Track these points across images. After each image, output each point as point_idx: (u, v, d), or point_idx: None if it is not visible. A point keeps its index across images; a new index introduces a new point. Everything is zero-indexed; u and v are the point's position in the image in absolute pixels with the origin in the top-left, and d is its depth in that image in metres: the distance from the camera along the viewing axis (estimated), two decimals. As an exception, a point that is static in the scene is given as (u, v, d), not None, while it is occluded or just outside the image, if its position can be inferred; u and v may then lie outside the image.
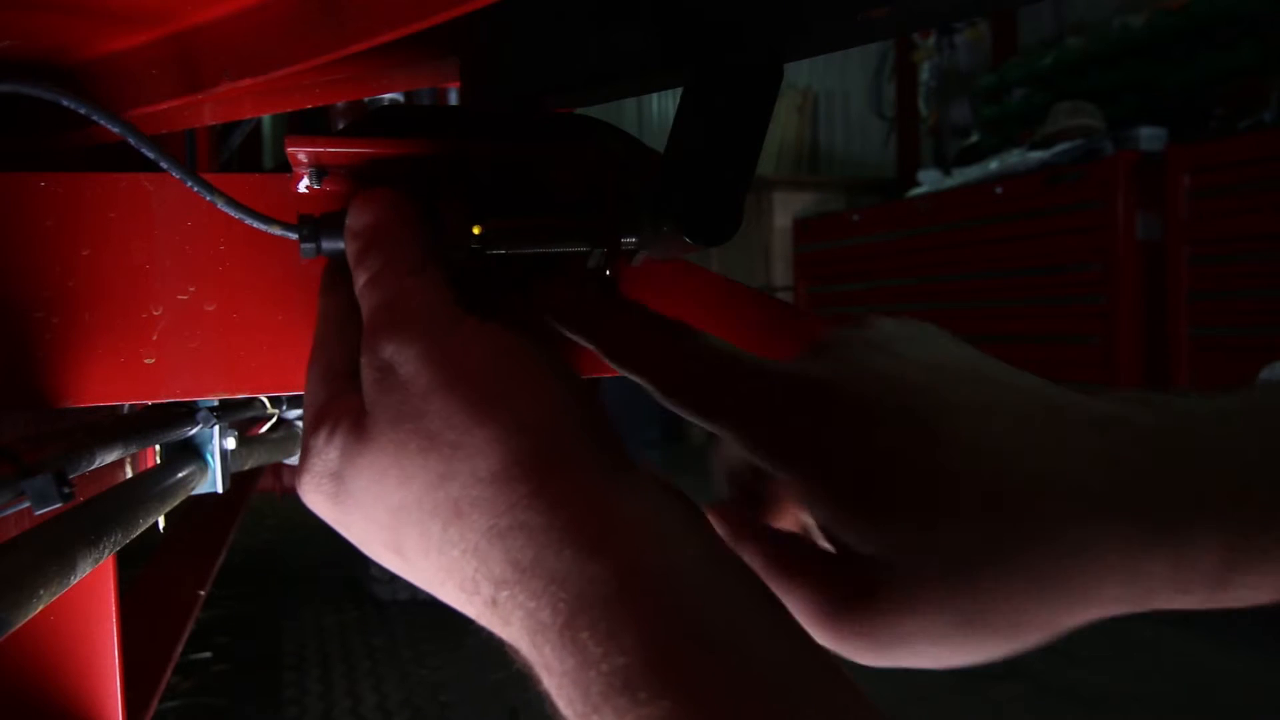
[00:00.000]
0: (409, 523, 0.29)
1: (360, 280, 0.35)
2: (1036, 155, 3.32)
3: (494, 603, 0.27)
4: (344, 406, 0.32)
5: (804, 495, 0.31)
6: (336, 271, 0.39)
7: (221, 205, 0.39)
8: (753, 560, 0.33)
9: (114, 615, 0.64)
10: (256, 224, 0.39)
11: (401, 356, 0.31)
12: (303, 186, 0.41)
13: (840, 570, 0.31)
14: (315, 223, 0.38)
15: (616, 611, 0.24)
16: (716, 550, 0.28)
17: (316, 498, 0.33)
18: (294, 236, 0.39)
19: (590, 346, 0.39)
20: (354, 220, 0.37)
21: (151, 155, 0.39)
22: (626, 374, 0.37)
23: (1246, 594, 0.29)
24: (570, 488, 0.28)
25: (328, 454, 0.32)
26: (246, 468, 0.92)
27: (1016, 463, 0.29)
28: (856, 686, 0.24)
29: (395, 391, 0.30)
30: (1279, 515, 0.28)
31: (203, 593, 1.13)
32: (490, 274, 0.42)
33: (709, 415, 0.34)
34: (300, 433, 1.05)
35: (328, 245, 0.38)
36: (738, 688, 0.23)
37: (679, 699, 0.22)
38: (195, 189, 0.39)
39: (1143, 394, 0.32)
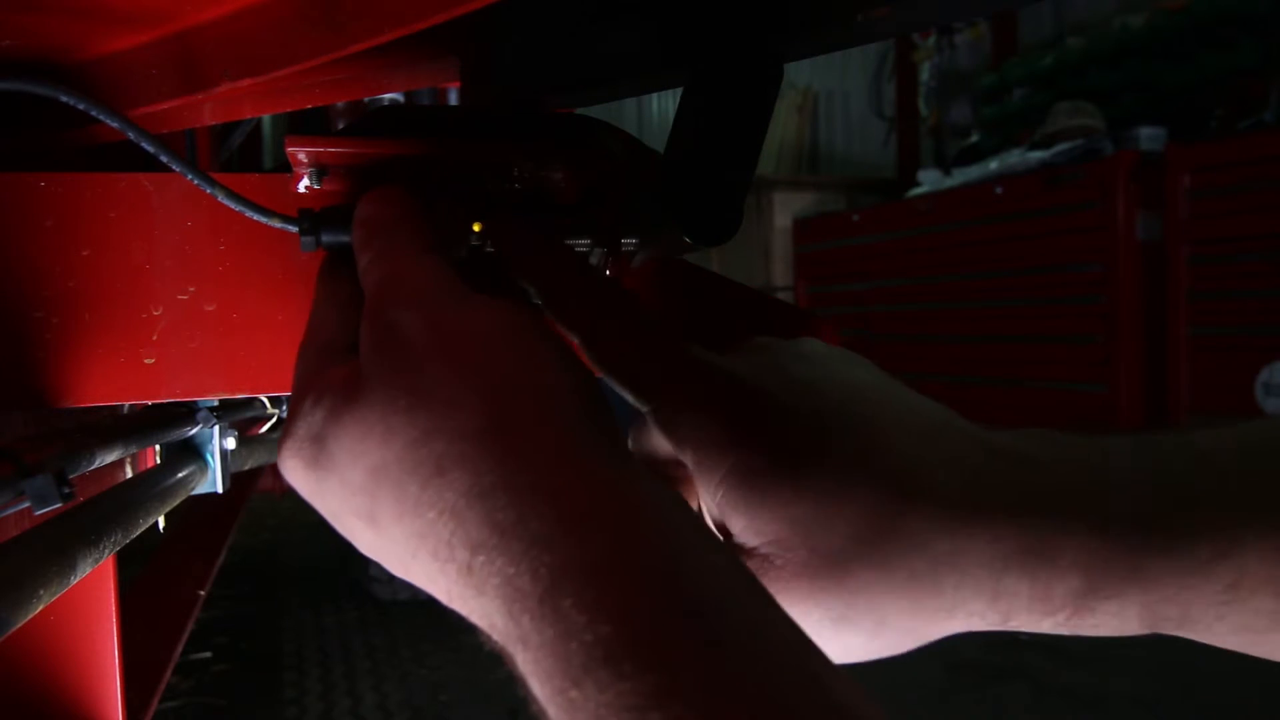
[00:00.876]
0: (386, 483, 0.29)
1: (365, 258, 0.35)
2: (1036, 155, 3.32)
3: (469, 569, 0.26)
4: (334, 375, 0.32)
5: (705, 480, 0.32)
6: (335, 262, 0.39)
7: (222, 198, 0.39)
8: None
9: (114, 615, 0.64)
10: (256, 216, 0.40)
11: (405, 320, 0.31)
12: (303, 186, 0.41)
13: None
14: (315, 216, 0.39)
15: (602, 580, 0.23)
16: (701, 527, 0.27)
17: (295, 463, 0.32)
18: (294, 229, 0.39)
19: (527, 285, 0.38)
20: (364, 209, 0.37)
21: (151, 149, 0.39)
22: (557, 321, 0.36)
23: (1107, 621, 0.30)
24: (560, 452, 0.27)
25: (312, 417, 0.31)
26: (246, 468, 0.92)
27: (903, 475, 0.31)
28: (842, 670, 0.24)
29: (393, 351, 0.30)
30: (1140, 550, 0.29)
31: (203, 593, 1.13)
32: (490, 274, 0.43)
33: (634, 386, 0.34)
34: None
35: (327, 238, 0.39)
36: (724, 666, 0.22)
37: (665, 675, 0.21)
38: (196, 182, 0.39)
39: (1047, 431, 0.33)
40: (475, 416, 0.28)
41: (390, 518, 0.29)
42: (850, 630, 0.30)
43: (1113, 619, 0.30)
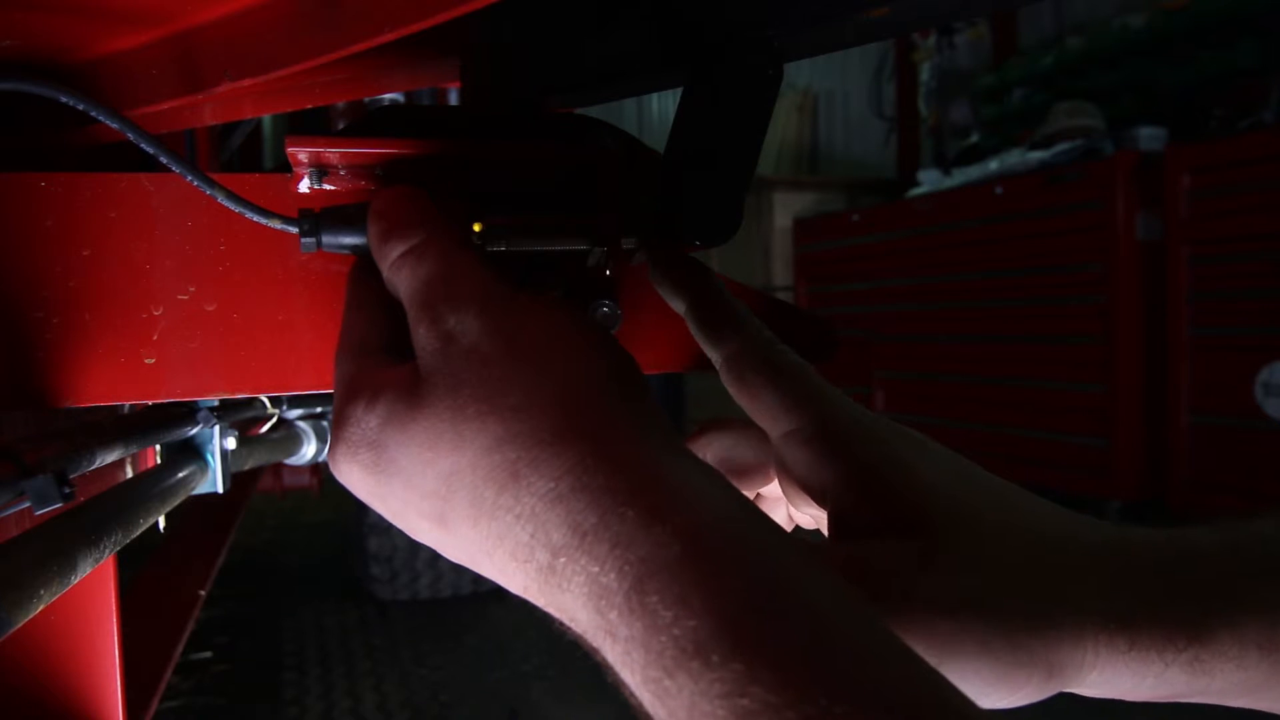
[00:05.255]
0: (460, 489, 0.29)
1: (396, 252, 0.35)
2: (1036, 155, 3.32)
3: (551, 568, 0.27)
4: (384, 377, 0.33)
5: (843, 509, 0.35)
6: (365, 265, 0.39)
7: (222, 199, 0.39)
8: None
9: (114, 615, 0.64)
10: (256, 218, 0.39)
11: (464, 327, 0.32)
12: (303, 186, 0.41)
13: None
14: (316, 216, 0.39)
15: (685, 574, 0.24)
16: (764, 517, 0.28)
17: (352, 467, 0.32)
18: (294, 230, 0.39)
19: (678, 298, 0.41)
20: (382, 203, 0.37)
21: (151, 149, 0.39)
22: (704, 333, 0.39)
23: (1101, 687, 0.32)
24: (629, 452, 0.28)
25: (366, 422, 0.32)
26: (247, 468, 0.92)
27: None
28: (907, 650, 0.25)
29: (457, 359, 0.31)
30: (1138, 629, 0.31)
31: (203, 593, 1.13)
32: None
33: (778, 403, 0.37)
34: (300, 432, 1.05)
35: (328, 239, 0.38)
36: (806, 648, 0.23)
37: (751, 661, 0.22)
38: (195, 183, 0.39)
39: (1148, 530, 0.35)
40: (546, 421, 0.29)
41: (464, 521, 0.30)
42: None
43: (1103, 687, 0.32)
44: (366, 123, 0.43)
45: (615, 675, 0.26)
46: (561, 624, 0.28)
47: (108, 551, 0.49)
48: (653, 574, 0.25)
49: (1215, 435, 2.75)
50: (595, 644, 0.26)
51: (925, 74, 5.13)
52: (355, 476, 0.33)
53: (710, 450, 0.42)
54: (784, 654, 0.23)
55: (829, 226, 4.44)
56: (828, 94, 6.36)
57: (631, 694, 0.25)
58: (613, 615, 0.25)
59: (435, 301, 0.33)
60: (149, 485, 0.64)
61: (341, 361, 0.36)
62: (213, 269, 0.42)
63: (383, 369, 0.33)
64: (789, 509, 0.42)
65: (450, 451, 0.30)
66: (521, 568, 0.28)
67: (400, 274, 0.35)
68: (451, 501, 0.30)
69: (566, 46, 0.47)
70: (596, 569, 0.26)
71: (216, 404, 0.76)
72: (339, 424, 0.33)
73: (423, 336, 0.32)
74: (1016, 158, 3.43)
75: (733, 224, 0.39)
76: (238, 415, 0.83)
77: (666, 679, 0.23)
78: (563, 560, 0.27)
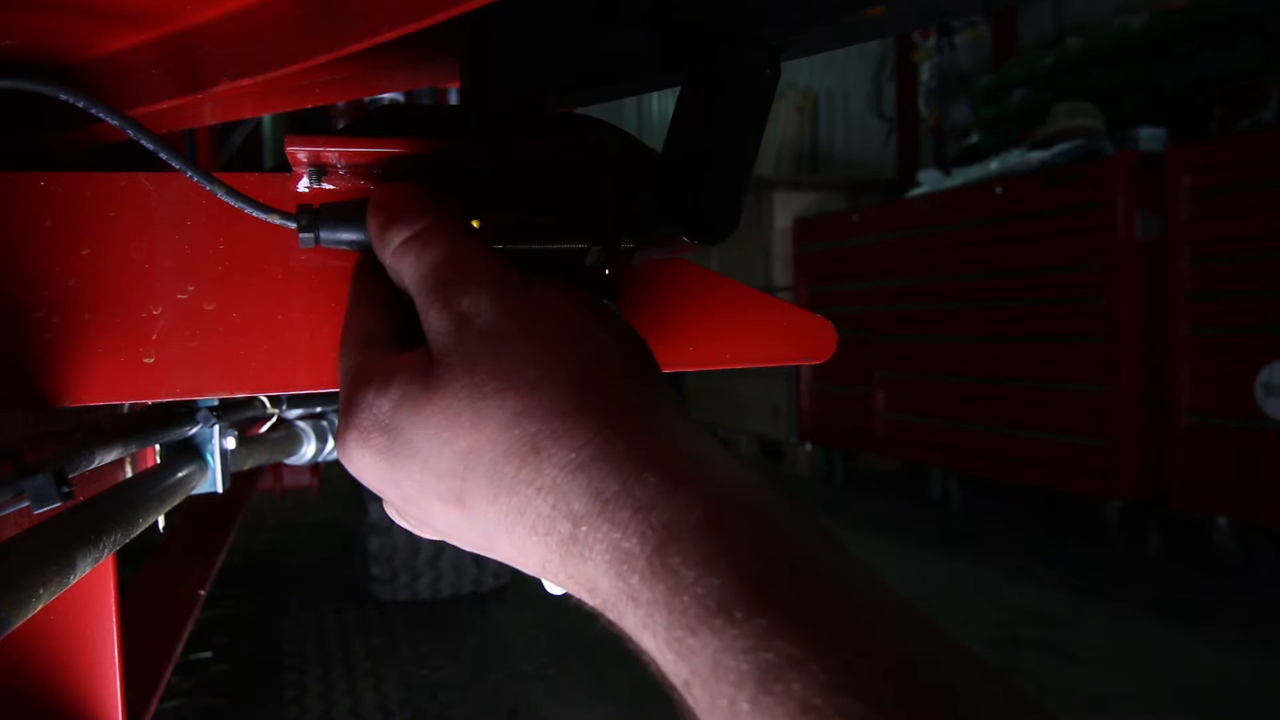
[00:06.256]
0: (479, 466, 0.30)
1: (399, 238, 0.35)
2: (1036, 155, 3.32)
3: (573, 538, 0.27)
4: (394, 363, 0.33)
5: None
6: (368, 262, 0.39)
7: (221, 194, 0.39)
8: None
9: (114, 615, 0.64)
10: (256, 213, 0.40)
11: (478, 308, 0.32)
12: (303, 186, 0.41)
13: None
14: (314, 212, 0.39)
15: (708, 536, 0.25)
16: (778, 486, 0.29)
17: (364, 453, 0.32)
18: (292, 225, 0.39)
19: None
20: (382, 196, 0.37)
21: (151, 146, 0.39)
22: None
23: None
24: (647, 423, 0.29)
25: (379, 406, 0.32)
26: (246, 467, 0.92)
27: None
28: (912, 604, 0.25)
29: (472, 339, 0.31)
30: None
31: (203, 593, 1.13)
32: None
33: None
34: (300, 432, 1.05)
35: (326, 234, 0.39)
36: (828, 606, 0.24)
37: (776, 617, 0.23)
38: (195, 179, 0.39)
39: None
40: (565, 395, 0.29)
41: (483, 498, 0.30)
42: None
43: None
44: (366, 122, 0.43)
45: (635, 645, 0.26)
46: (579, 600, 0.29)
47: (107, 551, 0.49)
48: (675, 537, 0.25)
49: (1215, 435, 2.75)
50: (616, 613, 0.27)
51: (925, 74, 5.13)
52: (366, 462, 0.33)
53: None
54: (807, 611, 0.23)
55: (829, 226, 4.44)
56: (828, 94, 6.36)
57: (652, 660, 0.26)
58: (635, 579, 0.26)
59: (446, 285, 0.33)
60: (149, 485, 0.64)
61: (346, 353, 0.36)
62: (212, 268, 0.42)
63: (391, 356, 0.34)
64: None
65: (469, 429, 0.30)
66: (542, 541, 0.28)
67: (405, 260, 0.35)
68: (470, 480, 0.30)
69: (566, 46, 0.47)
70: (619, 535, 0.26)
71: (216, 404, 0.76)
72: (348, 411, 0.33)
73: (435, 319, 0.32)
74: (1016, 158, 3.43)
75: (731, 223, 0.39)
76: (238, 415, 0.83)
77: (690, 637, 0.24)
78: (584, 529, 0.27)
